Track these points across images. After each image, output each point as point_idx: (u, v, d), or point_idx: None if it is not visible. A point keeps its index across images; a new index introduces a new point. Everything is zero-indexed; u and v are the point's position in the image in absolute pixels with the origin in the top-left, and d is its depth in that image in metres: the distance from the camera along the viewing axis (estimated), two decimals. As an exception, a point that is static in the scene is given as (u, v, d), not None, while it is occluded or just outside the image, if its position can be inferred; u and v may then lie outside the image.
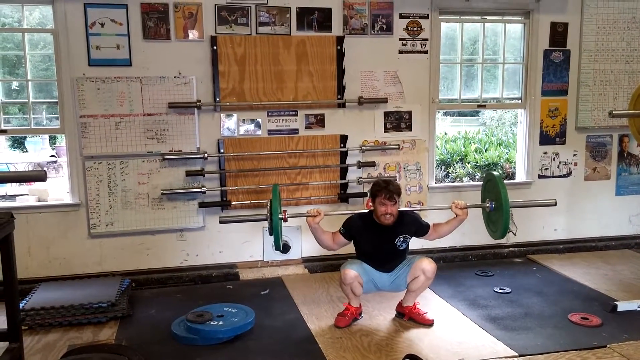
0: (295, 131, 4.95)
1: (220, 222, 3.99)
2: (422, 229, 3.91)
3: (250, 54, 4.74)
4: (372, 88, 5.05)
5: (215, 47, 4.67)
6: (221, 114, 4.79)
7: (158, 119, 4.65)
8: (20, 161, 9.87)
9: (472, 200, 5.32)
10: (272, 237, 3.59)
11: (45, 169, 10.04)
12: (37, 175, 2.82)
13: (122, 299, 4.11)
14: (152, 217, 4.74)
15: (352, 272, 3.72)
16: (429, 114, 5.23)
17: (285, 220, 3.71)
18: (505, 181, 3.85)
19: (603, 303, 4.18)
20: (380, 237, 3.79)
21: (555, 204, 4.09)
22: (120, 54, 4.55)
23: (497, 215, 3.83)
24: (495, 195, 3.82)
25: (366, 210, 3.89)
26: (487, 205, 3.91)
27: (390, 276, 3.86)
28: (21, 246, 4.45)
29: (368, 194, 4.15)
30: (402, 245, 3.82)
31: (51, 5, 4.45)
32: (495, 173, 3.93)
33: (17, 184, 6.97)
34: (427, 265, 3.75)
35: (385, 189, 3.68)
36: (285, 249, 5.04)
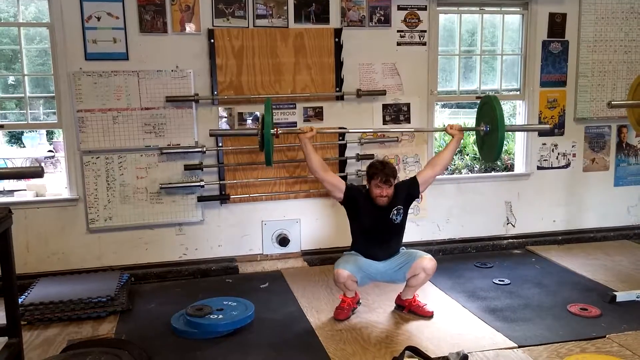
0: (294, 124, 4.93)
1: (211, 135, 3.99)
2: (413, 185, 3.89)
3: (247, 47, 4.72)
4: (371, 80, 5.04)
5: (212, 40, 4.64)
6: (219, 108, 4.77)
7: (156, 113, 4.63)
8: (17, 156, 9.82)
9: (471, 192, 5.36)
10: (264, 153, 3.60)
11: (42, 164, 10.01)
12: (34, 172, 2.80)
13: (121, 294, 4.11)
14: (150, 211, 4.73)
15: (345, 272, 3.71)
16: (428, 106, 5.21)
17: (277, 136, 3.70)
18: (503, 173, 3.85)
19: (602, 294, 4.18)
20: (376, 213, 3.80)
21: (549, 129, 4.11)
22: (117, 47, 4.52)
23: (492, 137, 3.86)
24: (490, 117, 3.84)
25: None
26: (482, 128, 3.94)
27: (386, 265, 3.85)
28: (19, 241, 4.44)
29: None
30: (396, 219, 3.82)
31: (47, -1, 4.43)
32: (491, 95, 3.95)
33: (15, 180, 6.92)
34: (428, 264, 3.74)
35: (382, 172, 3.68)
36: (284, 242, 5.03)
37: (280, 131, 3.75)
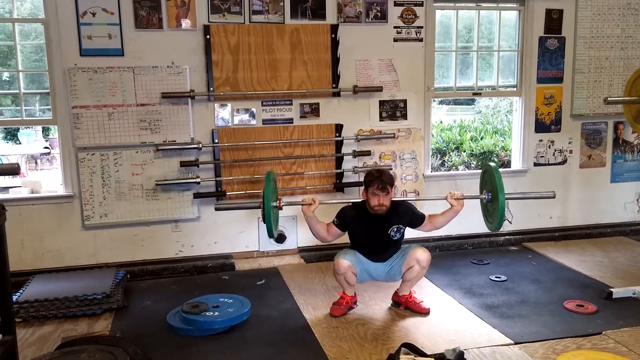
0: (290, 120, 4.92)
1: (216, 210, 3.96)
2: (417, 220, 3.89)
3: (243, 43, 4.70)
4: (367, 76, 5.02)
5: (208, 36, 4.62)
6: (215, 104, 4.76)
7: (151, 109, 4.61)
8: (13, 153, 9.80)
9: (468, 189, 5.32)
10: (266, 226, 3.57)
11: (38, 160, 10.00)
12: (11, 169, 2.78)
13: (117, 291, 4.09)
14: (146, 208, 4.72)
15: (346, 262, 3.71)
16: (425, 102, 5.20)
17: (281, 209, 3.67)
18: (501, 169, 3.82)
19: (598, 290, 4.19)
20: (373, 227, 3.77)
21: (554, 196, 4.02)
22: (112, 43, 4.50)
23: (493, 206, 3.78)
24: (491, 186, 3.78)
25: (360, 200, 3.87)
26: (484, 196, 3.85)
27: (385, 266, 3.85)
28: (14, 238, 4.42)
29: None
30: (395, 236, 3.80)
31: (41, -6, 4.40)
32: (492, 164, 3.87)
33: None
34: (422, 255, 3.74)
35: (378, 179, 3.64)
36: (281, 239, 5.03)
37: (282, 204, 3.70)
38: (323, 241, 4.00)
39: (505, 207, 3.62)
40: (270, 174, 3.67)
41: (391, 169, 4.98)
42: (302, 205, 3.75)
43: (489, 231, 5.43)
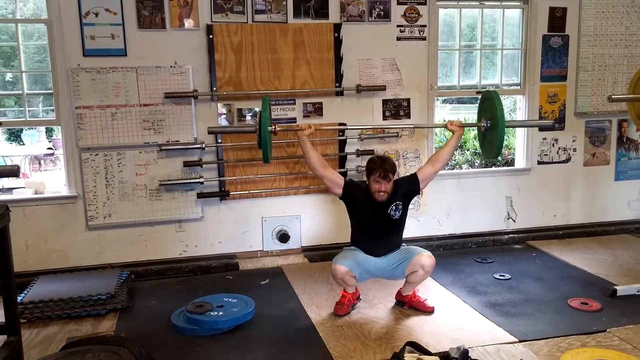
0: (294, 120, 4.91)
1: (209, 132, 3.99)
2: (411, 181, 3.88)
3: (246, 43, 4.70)
4: (370, 75, 5.02)
5: (211, 36, 4.62)
6: (218, 104, 4.76)
7: (154, 110, 4.61)
8: (16, 154, 9.80)
9: (472, 188, 5.34)
10: (262, 150, 3.63)
11: (42, 161, 10.01)
12: (10, 171, 2.79)
13: (121, 291, 4.10)
14: (150, 208, 4.72)
15: (343, 268, 3.70)
16: (428, 101, 5.19)
17: (275, 134, 3.73)
18: (504, 168, 3.83)
19: (602, 288, 4.18)
20: (375, 208, 3.79)
21: (552, 125, 4.05)
22: (115, 43, 4.50)
23: (492, 133, 3.83)
24: (491, 114, 3.81)
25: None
26: (483, 124, 3.91)
27: (386, 261, 3.83)
28: (18, 239, 4.43)
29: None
30: (395, 214, 3.80)
31: (44, -5, 4.40)
32: (492, 90, 3.90)
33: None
34: (426, 261, 3.72)
35: (381, 167, 3.68)
36: (285, 238, 5.03)
37: (278, 128, 3.74)
38: (315, 172, 3.85)
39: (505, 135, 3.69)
40: (266, 99, 3.72)
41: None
42: (297, 130, 3.83)
43: (492, 230, 5.50)
